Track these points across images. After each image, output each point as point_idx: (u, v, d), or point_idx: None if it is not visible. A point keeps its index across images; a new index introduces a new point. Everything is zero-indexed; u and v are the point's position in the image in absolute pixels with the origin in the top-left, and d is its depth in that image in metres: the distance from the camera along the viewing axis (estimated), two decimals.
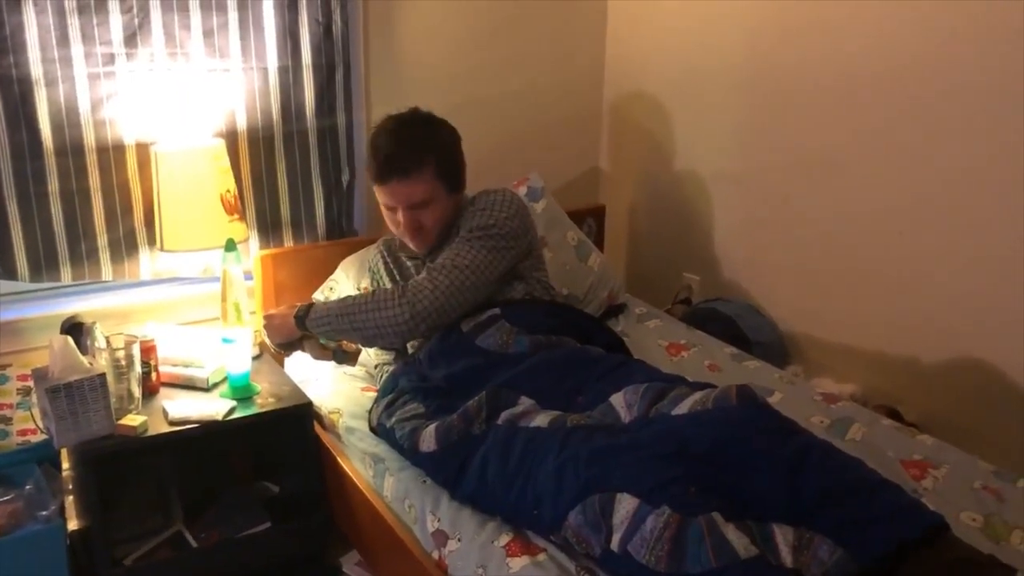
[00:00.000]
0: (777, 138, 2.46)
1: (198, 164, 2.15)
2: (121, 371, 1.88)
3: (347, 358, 2.11)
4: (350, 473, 1.94)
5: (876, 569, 1.24)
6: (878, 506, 1.30)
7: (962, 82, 2.00)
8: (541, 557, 1.46)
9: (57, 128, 2.09)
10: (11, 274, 2.12)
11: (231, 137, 2.31)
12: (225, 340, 1.99)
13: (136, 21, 2.13)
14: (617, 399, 1.61)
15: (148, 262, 2.28)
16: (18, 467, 2.00)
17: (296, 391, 2.07)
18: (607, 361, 1.80)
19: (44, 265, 2.15)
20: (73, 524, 1.95)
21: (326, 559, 2.07)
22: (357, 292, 2.23)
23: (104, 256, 2.21)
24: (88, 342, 1.94)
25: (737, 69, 2.54)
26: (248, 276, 2.31)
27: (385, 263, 2.19)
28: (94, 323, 1.99)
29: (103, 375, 1.79)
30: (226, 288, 2.10)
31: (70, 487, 2.04)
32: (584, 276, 2.48)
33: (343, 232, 2.54)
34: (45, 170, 2.10)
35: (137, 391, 1.92)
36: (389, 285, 2.14)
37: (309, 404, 2.04)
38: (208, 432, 1.91)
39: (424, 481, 1.73)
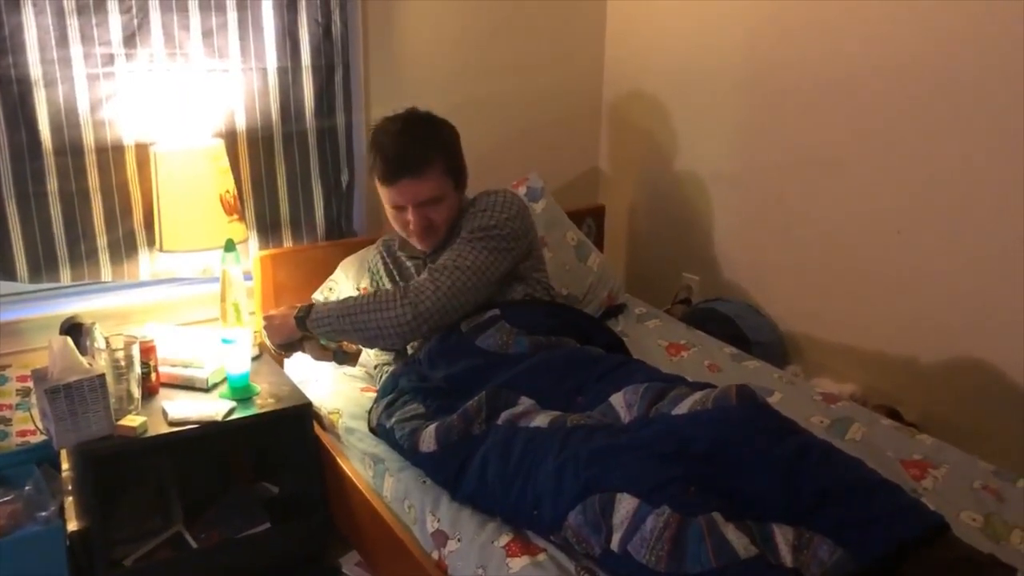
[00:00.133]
0: (776, 138, 2.46)
1: (197, 164, 2.15)
2: (120, 372, 1.88)
3: (347, 359, 2.11)
4: (350, 473, 1.93)
5: (876, 569, 1.24)
6: (878, 506, 1.30)
7: (961, 82, 2.00)
8: (541, 557, 1.46)
9: (56, 129, 2.09)
10: (10, 275, 2.12)
11: (230, 138, 2.31)
12: (225, 341, 1.99)
13: (135, 21, 2.13)
14: (617, 399, 1.61)
15: (147, 263, 2.27)
16: (18, 468, 2.00)
17: (296, 391, 2.07)
18: (607, 361, 1.80)
19: (43, 266, 2.14)
20: (73, 525, 1.94)
21: (326, 560, 2.07)
22: (357, 292, 2.23)
23: (103, 256, 2.21)
24: (87, 343, 1.94)
25: (736, 69, 2.54)
26: (248, 276, 2.31)
27: (385, 264, 2.18)
28: (93, 324, 1.99)
29: (102, 376, 1.79)
30: (225, 289, 2.10)
31: (70, 488, 2.03)
32: (584, 276, 2.48)
33: (342, 232, 2.54)
34: (44, 171, 2.09)
35: (137, 392, 1.92)
36: (389, 286, 2.14)
37: (309, 405, 2.04)
38: (208, 433, 1.91)
39: (424, 481, 1.72)
